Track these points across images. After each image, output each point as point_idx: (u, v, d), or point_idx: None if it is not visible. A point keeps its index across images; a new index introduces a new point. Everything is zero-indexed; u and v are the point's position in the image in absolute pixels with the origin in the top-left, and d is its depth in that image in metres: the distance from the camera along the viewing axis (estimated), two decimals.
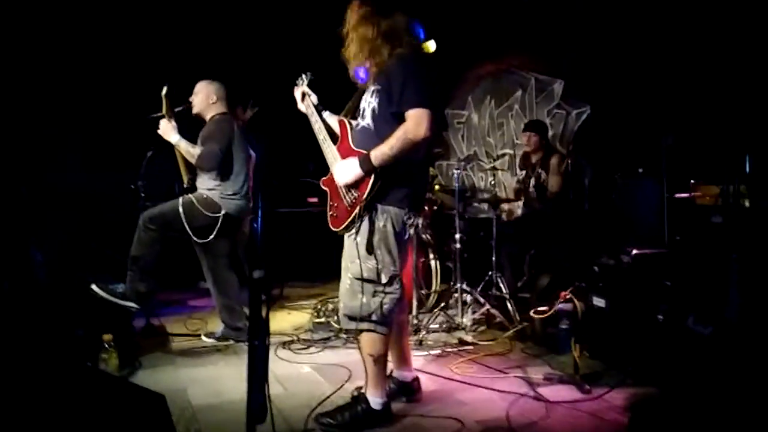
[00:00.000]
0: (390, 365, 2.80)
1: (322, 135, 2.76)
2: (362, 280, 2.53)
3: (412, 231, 2.61)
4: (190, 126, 3.95)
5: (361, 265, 2.53)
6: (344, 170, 2.51)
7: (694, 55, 3.93)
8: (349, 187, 2.54)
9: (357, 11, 2.61)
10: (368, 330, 2.56)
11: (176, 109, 3.88)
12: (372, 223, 2.52)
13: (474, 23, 6.04)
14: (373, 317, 2.53)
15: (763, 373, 2.20)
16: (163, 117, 3.81)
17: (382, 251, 2.53)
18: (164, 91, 3.81)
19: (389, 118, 2.49)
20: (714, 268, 2.65)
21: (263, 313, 1.52)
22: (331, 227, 2.68)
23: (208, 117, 3.91)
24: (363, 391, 2.63)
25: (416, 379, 2.92)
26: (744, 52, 3.51)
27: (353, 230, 2.56)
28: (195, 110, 3.91)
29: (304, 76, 2.96)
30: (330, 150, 2.71)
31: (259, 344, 1.44)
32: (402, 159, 2.44)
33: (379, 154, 2.43)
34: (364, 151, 2.49)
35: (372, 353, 2.56)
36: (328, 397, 2.83)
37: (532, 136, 4.82)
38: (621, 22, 4.56)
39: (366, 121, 2.59)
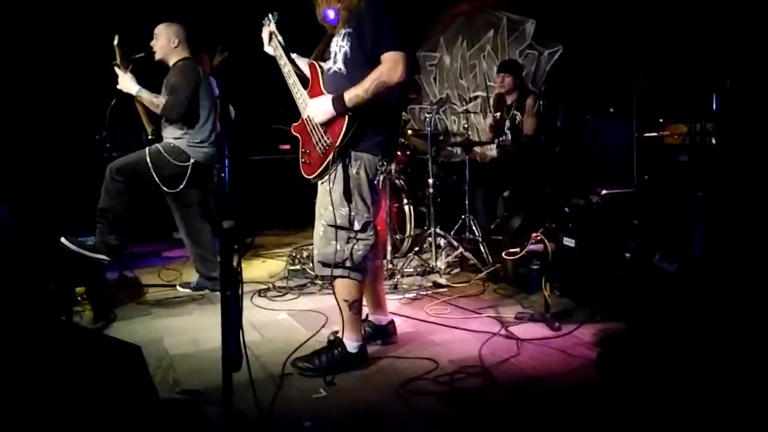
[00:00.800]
0: (365, 309, 2.84)
1: (291, 79, 2.68)
2: (336, 227, 2.53)
3: (382, 177, 2.59)
4: (155, 73, 3.83)
5: (334, 212, 2.53)
6: (318, 107, 2.46)
7: None
8: (322, 132, 2.50)
9: None
10: (342, 276, 2.58)
11: (136, 56, 3.74)
12: (346, 170, 2.50)
13: None
14: (347, 263, 2.55)
15: (727, 308, 2.28)
16: (118, 66, 3.68)
17: (355, 198, 2.52)
18: (116, 40, 3.67)
19: (362, 62, 2.43)
20: (680, 206, 2.70)
21: (234, 263, 1.51)
22: (304, 174, 2.66)
23: (171, 62, 3.78)
24: (339, 335, 2.66)
25: (391, 322, 2.97)
26: None
27: (326, 177, 2.54)
28: (157, 56, 3.76)
29: (270, 15, 2.85)
30: (300, 94, 2.64)
31: (232, 294, 1.44)
32: (376, 103, 2.40)
33: (352, 96, 2.38)
34: None
35: (347, 298, 2.59)
36: (304, 342, 2.88)
37: (505, 77, 4.76)
38: None
39: (338, 65, 2.53)
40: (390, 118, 2.58)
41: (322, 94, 2.53)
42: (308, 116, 2.56)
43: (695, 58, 3.16)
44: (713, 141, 2.47)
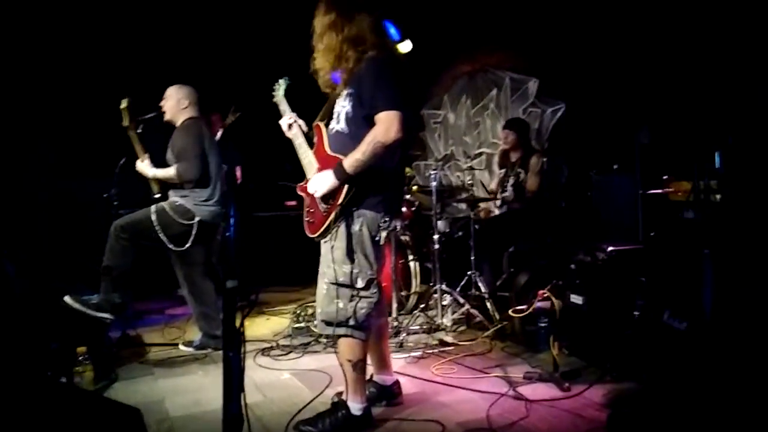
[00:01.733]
0: (370, 369, 2.79)
1: (302, 150, 2.72)
2: (338, 284, 2.51)
3: (384, 234, 2.57)
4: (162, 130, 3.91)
5: (336, 269, 2.51)
6: (319, 183, 2.48)
7: (666, 52, 3.98)
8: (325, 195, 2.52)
9: (321, 19, 2.59)
10: (345, 335, 2.54)
11: (146, 117, 3.83)
12: (348, 228, 2.50)
13: (449, 22, 6.06)
14: (350, 322, 2.51)
15: (738, 367, 2.23)
16: (127, 129, 3.78)
17: (358, 255, 2.51)
18: (123, 104, 3.78)
19: (362, 121, 2.48)
20: (688, 263, 2.68)
21: (237, 323, 1.50)
22: (308, 233, 2.67)
23: (178, 123, 3.86)
24: (343, 397, 2.60)
25: (396, 382, 2.91)
26: (715, 50, 3.55)
27: (329, 236, 2.55)
28: (167, 117, 3.85)
29: (281, 81, 2.92)
30: (306, 155, 2.69)
31: (234, 355, 1.42)
32: (376, 163, 2.42)
33: (352, 161, 2.41)
34: (340, 156, 2.47)
35: (350, 358, 2.54)
36: (307, 404, 2.82)
37: (509, 134, 4.81)
38: (595, 20, 4.60)
39: (340, 125, 2.57)
40: (391, 176, 2.59)
41: (326, 154, 2.57)
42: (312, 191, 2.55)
43: (697, 115, 3.21)
44: (717, 198, 2.48)
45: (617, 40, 4.39)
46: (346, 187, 2.44)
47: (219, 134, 5.40)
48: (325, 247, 2.59)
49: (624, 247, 3.23)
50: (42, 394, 1.90)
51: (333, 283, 2.52)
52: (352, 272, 2.51)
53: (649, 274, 2.91)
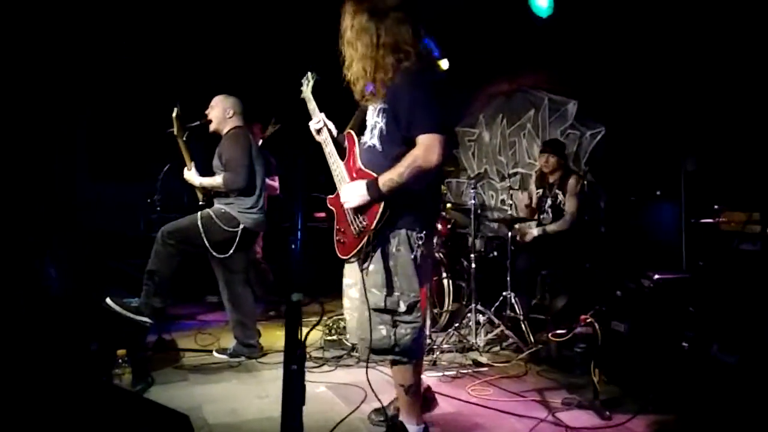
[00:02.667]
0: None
1: (332, 158, 2.59)
2: (380, 311, 2.40)
3: (419, 252, 2.42)
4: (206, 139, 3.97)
5: (376, 294, 2.39)
6: (351, 193, 2.37)
7: (712, 74, 3.92)
8: (357, 212, 2.41)
9: (351, 22, 2.39)
10: (395, 362, 2.46)
11: (192, 125, 3.89)
12: (384, 250, 2.39)
13: (487, 41, 6.06)
14: (397, 349, 2.41)
15: None
16: (175, 137, 3.83)
17: (398, 278, 2.40)
18: (175, 112, 3.84)
19: (398, 140, 2.36)
20: (741, 295, 2.63)
21: (301, 337, 1.50)
22: (338, 254, 2.56)
23: (224, 132, 3.91)
24: (399, 418, 2.56)
25: (428, 389, 2.84)
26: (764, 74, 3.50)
27: (367, 260, 2.42)
28: (212, 126, 3.91)
29: (309, 76, 2.76)
30: (338, 167, 2.55)
31: (297, 369, 1.42)
32: (413, 185, 2.30)
33: (387, 181, 2.29)
34: (372, 173, 2.36)
35: (402, 383, 2.47)
36: (344, 418, 2.79)
37: (550, 157, 4.75)
38: (637, 41, 4.57)
39: (373, 140, 2.45)
40: (428, 194, 2.47)
41: (359, 169, 2.46)
42: (343, 201, 2.43)
43: (751, 143, 3.16)
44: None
45: (660, 63, 4.36)
46: (380, 209, 2.32)
47: (259, 144, 5.46)
48: (357, 269, 2.48)
49: (671, 276, 3.18)
50: (95, 396, 1.92)
51: (375, 310, 2.39)
52: (392, 297, 2.39)
53: (697, 305, 2.86)
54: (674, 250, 3.78)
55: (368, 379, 2.44)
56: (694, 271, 3.16)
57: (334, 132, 2.67)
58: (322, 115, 2.68)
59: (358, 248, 2.42)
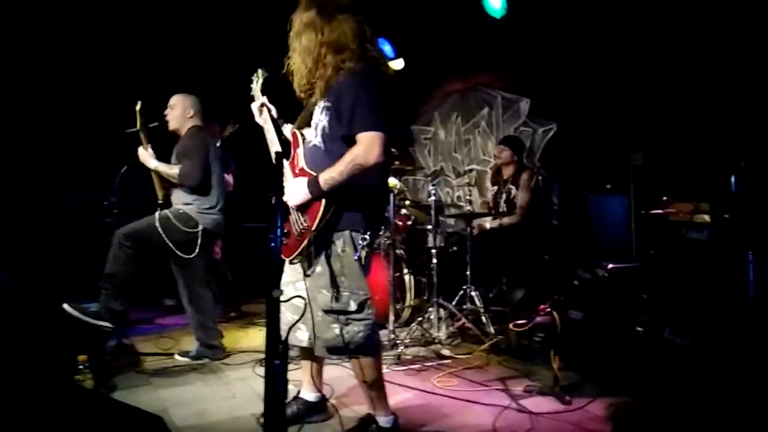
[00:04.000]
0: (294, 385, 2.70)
1: (273, 147, 2.57)
2: (331, 311, 2.41)
3: (365, 253, 2.44)
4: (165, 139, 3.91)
5: (326, 295, 2.41)
6: (293, 190, 2.37)
7: (657, 71, 4.12)
8: (299, 212, 2.41)
9: (300, 16, 2.43)
10: (352, 358, 2.49)
11: (151, 125, 3.83)
12: (329, 251, 2.41)
13: (442, 41, 6.17)
14: (351, 347, 2.41)
15: (741, 382, 2.32)
16: (137, 132, 3.76)
17: (346, 278, 2.41)
18: (138, 106, 3.76)
19: (339, 139, 2.36)
20: (691, 281, 2.78)
21: (282, 334, 1.52)
22: (282, 254, 2.52)
23: (183, 131, 3.86)
24: (368, 411, 2.60)
25: (323, 398, 2.85)
26: (711, 69, 3.70)
27: (312, 262, 2.45)
28: (171, 126, 3.86)
29: (259, 72, 2.72)
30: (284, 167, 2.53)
31: (281, 364, 1.44)
32: (353, 183, 2.31)
33: (327, 178, 2.30)
34: (314, 173, 2.36)
35: (365, 380, 2.49)
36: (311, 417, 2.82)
37: (504, 150, 4.91)
38: (586, 40, 4.74)
39: (317, 139, 2.44)
40: (372, 193, 2.47)
41: (302, 168, 2.45)
42: (286, 198, 2.41)
43: (697, 138, 3.33)
44: (725, 218, 2.58)
45: (609, 61, 4.54)
46: (321, 208, 2.33)
47: (218, 144, 5.39)
48: (296, 269, 2.51)
49: (624, 265, 3.33)
50: (66, 400, 1.89)
51: (326, 311, 2.41)
52: (341, 297, 2.40)
53: (650, 292, 3.01)
54: (625, 241, 3.95)
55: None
56: (646, 259, 3.32)
57: (275, 114, 2.68)
58: (265, 98, 2.68)
59: (299, 249, 2.43)
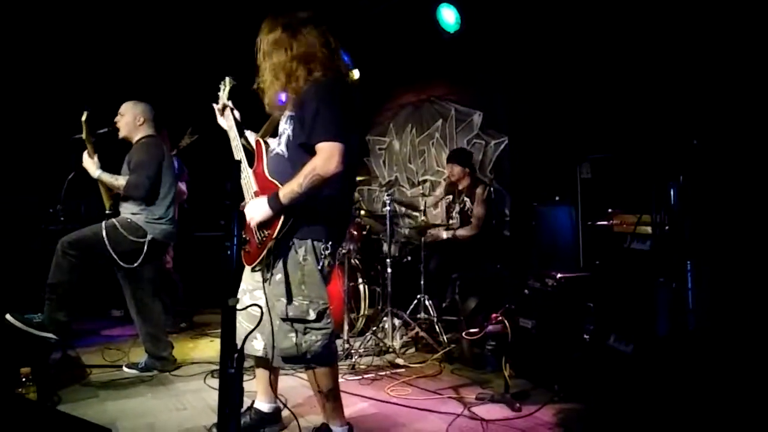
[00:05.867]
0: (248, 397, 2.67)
1: (239, 155, 2.60)
2: (289, 320, 2.41)
3: (327, 263, 2.46)
4: (120, 147, 3.83)
5: (284, 303, 2.41)
6: (254, 209, 2.38)
7: (602, 88, 4.28)
8: (260, 223, 2.42)
9: (267, 37, 2.50)
10: (309, 368, 2.48)
11: (99, 131, 3.75)
12: (289, 259, 2.41)
13: (397, 54, 6.24)
14: (308, 356, 2.42)
15: (683, 386, 2.43)
16: (82, 140, 3.68)
17: (306, 287, 2.42)
18: (84, 116, 3.68)
19: (301, 148, 2.39)
20: (637, 290, 2.89)
21: (238, 341, 1.52)
22: (244, 263, 2.55)
23: (135, 139, 3.79)
24: (323, 421, 2.59)
25: (278, 410, 2.85)
26: (653, 87, 3.87)
27: (272, 270, 2.45)
28: (122, 133, 3.79)
29: (227, 79, 2.75)
30: (246, 174, 2.53)
31: (236, 372, 1.44)
32: (314, 194, 2.33)
33: (287, 191, 2.31)
34: (277, 183, 2.38)
35: (321, 390, 2.49)
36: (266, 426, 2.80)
37: (454, 167, 5.02)
38: (536, 56, 4.89)
39: (281, 147, 2.48)
40: (334, 203, 2.47)
41: (265, 177, 2.47)
42: (248, 217, 2.42)
43: (640, 151, 3.48)
44: (666, 229, 2.71)
45: (559, 77, 4.69)
46: (282, 218, 2.34)
47: (173, 153, 5.29)
48: (253, 277, 2.53)
49: (573, 275, 3.43)
50: (12, 413, 1.83)
51: (284, 319, 2.41)
52: (301, 305, 2.41)
53: (596, 300, 3.11)
54: (572, 251, 4.08)
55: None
56: (592, 269, 3.44)
57: (238, 116, 2.70)
58: (230, 102, 2.72)
59: (260, 257, 2.44)
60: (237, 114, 2.72)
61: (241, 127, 2.69)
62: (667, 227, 2.67)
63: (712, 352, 2.42)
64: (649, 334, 2.76)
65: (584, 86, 4.43)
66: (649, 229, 2.94)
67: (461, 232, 4.86)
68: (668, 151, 2.87)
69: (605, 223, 3.28)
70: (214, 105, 2.74)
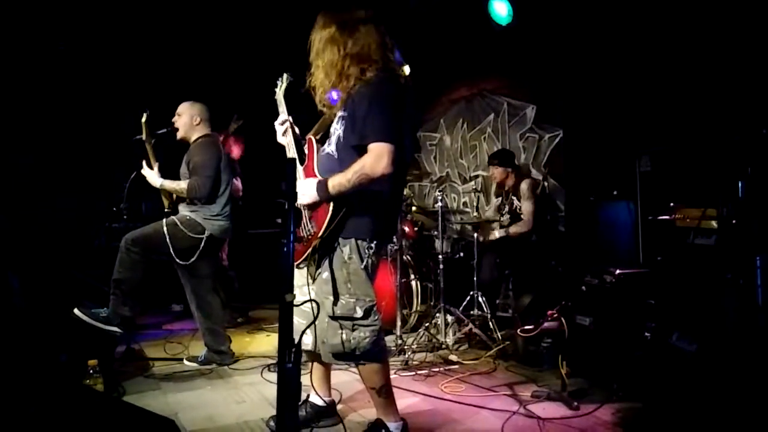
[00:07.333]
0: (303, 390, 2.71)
1: (292, 153, 2.58)
2: (337, 317, 2.42)
3: (371, 261, 2.45)
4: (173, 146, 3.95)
5: (332, 301, 2.42)
6: (303, 190, 2.38)
7: (661, 79, 4.13)
8: (308, 219, 2.44)
9: (320, 33, 2.47)
10: (360, 364, 2.49)
11: (158, 132, 3.87)
12: (336, 257, 2.43)
13: (448, 47, 6.19)
14: (357, 353, 2.42)
15: (748, 389, 2.33)
16: (142, 140, 3.80)
17: (352, 285, 2.43)
18: (144, 117, 3.80)
19: (352, 149, 2.38)
20: (701, 287, 2.78)
21: (296, 337, 1.54)
22: None
23: (192, 139, 3.90)
24: (377, 417, 2.59)
25: (333, 403, 2.86)
26: (716, 75, 3.71)
27: (318, 268, 2.48)
28: (180, 134, 3.90)
29: (283, 77, 2.75)
30: (298, 173, 2.52)
31: (293, 367, 1.46)
32: (363, 191, 2.32)
33: (336, 183, 2.31)
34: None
35: (372, 386, 2.50)
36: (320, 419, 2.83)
37: (494, 168, 5.00)
38: (591, 47, 4.76)
39: (331, 147, 2.48)
40: (382, 200, 2.45)
41: (314, 174, 2.47)
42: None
43: (704, 142, 3.33)
44: (732, 223, 2.59)
45: (615, 67, 4.55)
46: (330, 214, 2.35)
47: (234, 155, 5.40)
48: (303, 274, 2.53)
49: (632, 271, 3.33)
50: (79, 404, 1.91)
51: (331, 317, 2.42)
52: (348, 303, 2.42)
53: (657, 297, 3.01)
54: (632, 247, 3.95)
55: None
56: (653, 265, 3.32)
57: (298, 133, 2.68)
58: (290, 118, 2.68)
59: (306, 254, 2.46)
60: (297, 131, 2.68)
61: (300, 145, 2.65)
62: (734, 221, 2.55)
63: None
64: (715, 333, 2.65)
65: (642, 76, 4.29)
66: (713, 224, 2.82)
67: (514, 229, 4.80)
68: (734, 142, 2.74)
69: (667, 217, 3.17)
70: (276, 124, 2.68)
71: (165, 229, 3.66)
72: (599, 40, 4.66)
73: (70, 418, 1.81)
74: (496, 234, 4.85)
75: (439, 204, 4.50)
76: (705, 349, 2.63)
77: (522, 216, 4.80)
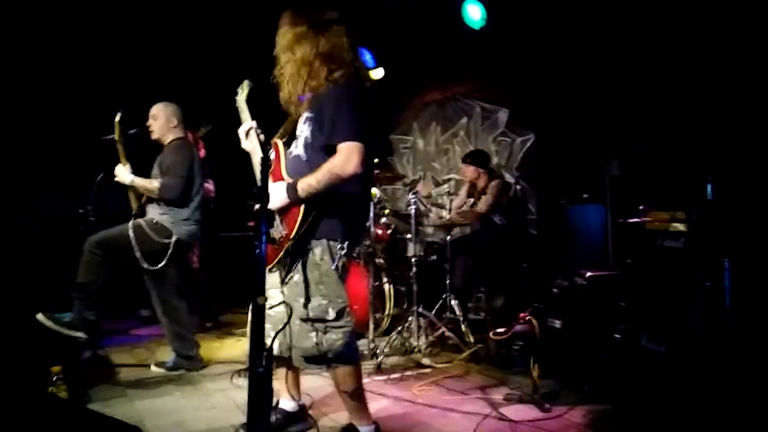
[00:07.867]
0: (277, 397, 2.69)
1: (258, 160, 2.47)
2: (309, 320, 2.40)
3: (342, 263, 2.44)
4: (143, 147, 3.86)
5: (303, 304, 2.40)
6: (272, 193, 2.35)
7: (631, 84, 4.20)
8: (279, 221, 2.42)
9: (288, 31, 2.46)
10: (331, 368, 2.46)
11: (130, 132, 3.78)
12: (307, 259, 2.41)
13: (421, 51, 6.20)
14: (330, 355, 2.40)
15: (716, 387, 2.36)
16: (113, 140, 3.71)
17: (324, 286, 2.41)
18: (118, 117, 3.71)
19: (320, 149, 2.38)
20: (671, 289, 2.82)
21: (267, 341, 1.51)
22: None
23: (167, 141, 3.83)
24: (349, 421, 2.57)
25: (304, 408, 2.83)
26: (683, 81, 3.78)
27: (290, 271, 2.45)
28: (155, 135, 3.82)
29: (244, 84, 2.70)
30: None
31: (265, 371, 1.42)
32: (333, 192, 2.32)
33: (306, 185, 2.31)
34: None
35: (344, 389, 2.47)
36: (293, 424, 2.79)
37: (465, 168, 5.03)
38: (563, 52, 4.82)
39: (299, 149, 2.47)
40: (352, 201, 2.47)
41: (282, 177, 2.43)
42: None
43: (673, 148, 3.40)
44: (701, 226, 2.63)
45: (586, 72, 4.61)
46: (301, 216, 2.33)
47: (202, 154, 5.32)
48: (283, 279, 2.50)
49: (602, 273, 3.37)
50: (43, 411, 1.85)
51: (303, 319, 2.40)
52: (320, 305, 2.40)
53: (627, 299, 3.05)
54: (602, 249, 4.00)
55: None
56: (623, 268, 3.37)
57: (263, 139, 2.62)
58: (254, 122, 2.63)
59: (278, 257, 2.43)
60: (262, 137, 2.62)
61: (266, 150, 2.58)
62: (702, 224, 2.60)
63: (750, 353, 2.35)
64: (683, 334, 2.69)
65: (612, 81, 4.36)
66: (682, 227, 2.87)
67: (475, 227, 4.80)
68: (702, 146, 2.79)
69: (636, 220, 3.21)
70: (240, 131, 2.62)
71: (131, 232, 3.57)
72: (572, 44, 4.72)
73: (33, 427, 1.75)
74: (443, 213, 4.81)
75: (413, 207, 4.49)
76: (674, 350, 2.67)
77: (477, 210, 4.82)
